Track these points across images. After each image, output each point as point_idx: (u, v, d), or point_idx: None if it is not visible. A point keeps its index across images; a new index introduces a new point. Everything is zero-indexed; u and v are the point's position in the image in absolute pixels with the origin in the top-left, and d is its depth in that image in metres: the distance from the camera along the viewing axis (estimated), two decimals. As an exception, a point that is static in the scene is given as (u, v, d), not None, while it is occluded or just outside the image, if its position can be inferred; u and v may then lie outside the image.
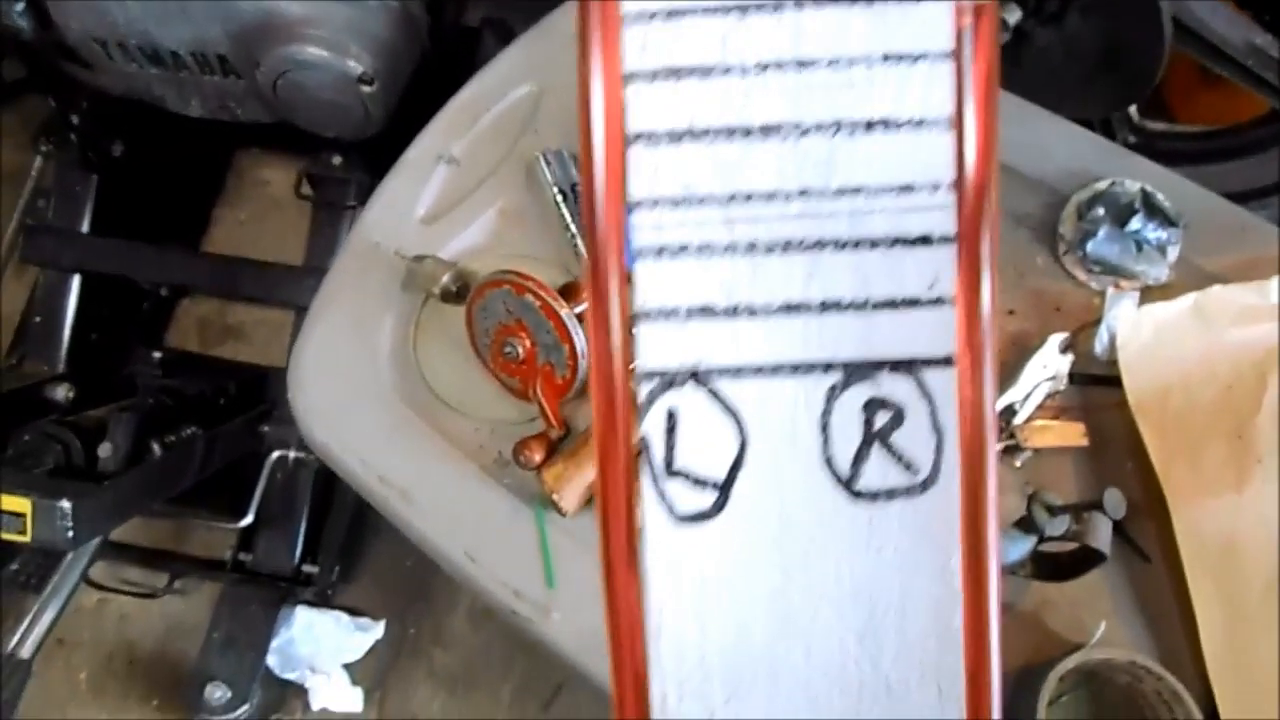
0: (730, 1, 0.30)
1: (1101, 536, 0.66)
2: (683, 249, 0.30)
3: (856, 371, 0.30)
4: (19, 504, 0.97)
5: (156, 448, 1.19)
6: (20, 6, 1.09)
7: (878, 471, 0.31)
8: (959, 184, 0.29)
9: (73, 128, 1.39)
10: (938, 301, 0.30)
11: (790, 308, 0.30)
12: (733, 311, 0.30)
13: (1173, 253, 0.84)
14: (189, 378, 1.41)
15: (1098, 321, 0.83)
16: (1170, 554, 0.76)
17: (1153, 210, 0.84)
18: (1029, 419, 0.81)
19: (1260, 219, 0.86)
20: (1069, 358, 0.82)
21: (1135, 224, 0.83)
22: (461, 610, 1.45)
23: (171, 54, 1.14)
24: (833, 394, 0.31)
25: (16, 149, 1.70)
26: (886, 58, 0.29)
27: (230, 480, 1.33)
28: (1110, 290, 0.83)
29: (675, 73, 0.30)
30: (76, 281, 1.45)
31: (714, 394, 0.31)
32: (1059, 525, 0.66)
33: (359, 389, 0.83)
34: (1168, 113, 1.51)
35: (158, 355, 1.48)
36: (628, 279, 0.30)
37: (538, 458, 0.78)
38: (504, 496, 0.79)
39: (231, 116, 1.26)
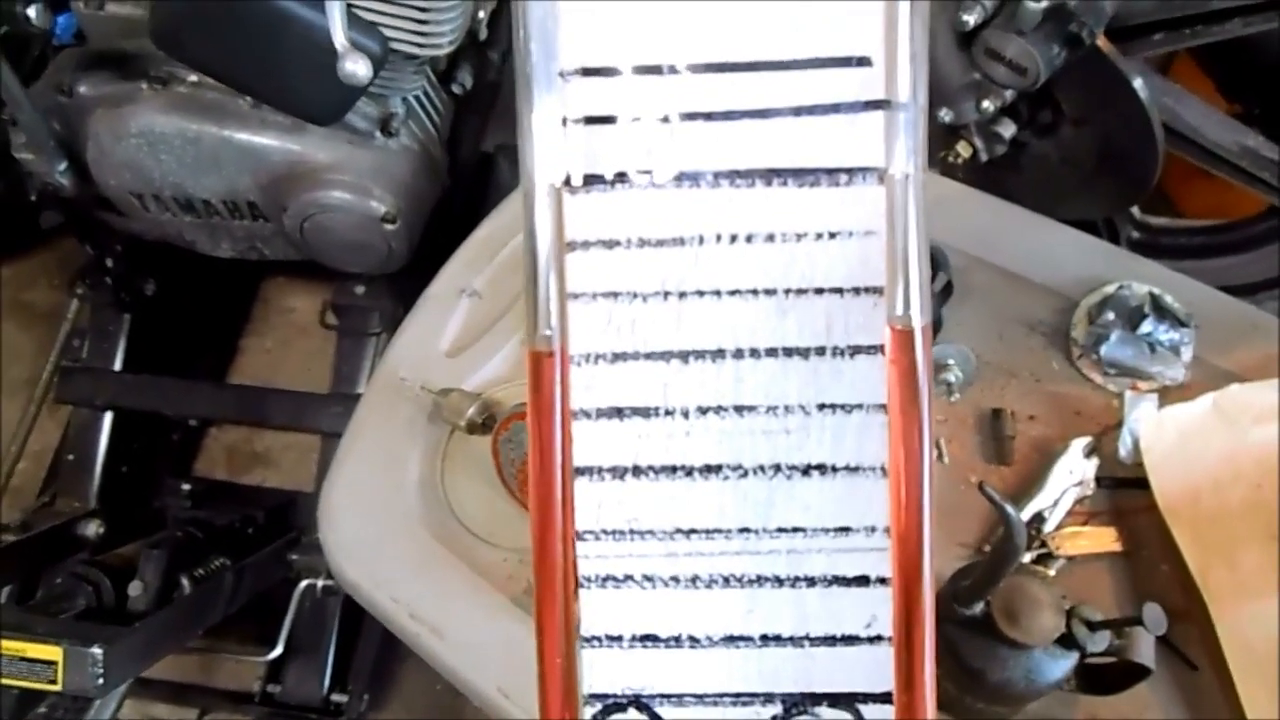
0: (673, 348, 0.31)
1: (1145, 652, 0.65)
2: (627, 579, 0.32)
3: (796, 704, 0.31)
4: (50, 652, 0.96)
5: (186, 583, 1.20)
6: (63, 166, 1.15)
7: None
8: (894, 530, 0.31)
9: (108, 271, 1.44)
10: (875, 639, 0.31)
11: (731, 639, 0.32)
12: (675, 641, 0.32)
13: (1187, 353, 0.84)
14: (218, 508, 1.42)
15: (1119, 424, 0.83)
16: (1217, 659, 0.74)
17: (1162, 312, 0.85)
18: (1059, 526, 0.80)
19: (1268, 315, 0.87)
20: (1094, 461, 0.82)
21: (1147, 326, 0.84)
22: (493, 736, 1.42)
23: (204, 202, 1.20)
24: None
25: (52, 289, 1.77)
26: (822, 407, 0.31)
27: (258, 609, 1.32)
28: (1129, 393, 0.84)
29: (619, 412, 0.32)
30: (109, 418, 1.48)
31: (657, 719, 0.32)
32: (1100, 641, 0.65)
33: (388, 524, 0.84)
34: (1168, 202, 1.54)
35: (187, 487, 1.49)
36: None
37: (568, 588, 0.78)
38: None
39: (260, 256, 1.31)
